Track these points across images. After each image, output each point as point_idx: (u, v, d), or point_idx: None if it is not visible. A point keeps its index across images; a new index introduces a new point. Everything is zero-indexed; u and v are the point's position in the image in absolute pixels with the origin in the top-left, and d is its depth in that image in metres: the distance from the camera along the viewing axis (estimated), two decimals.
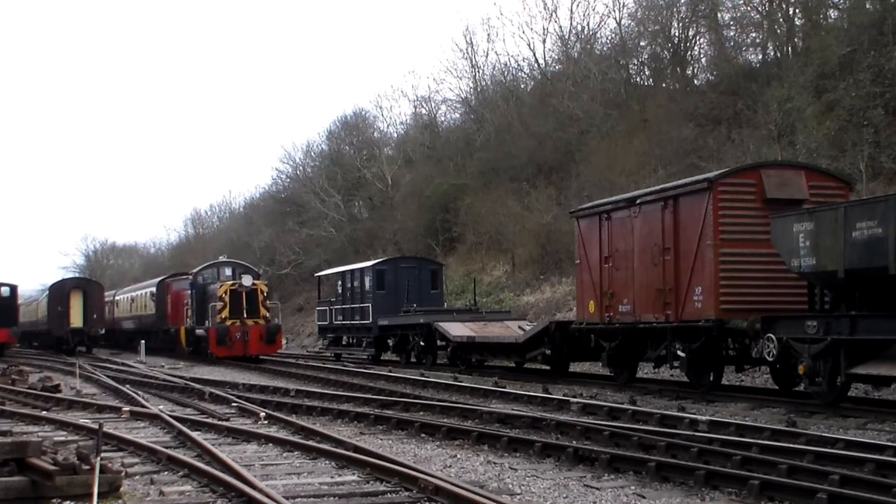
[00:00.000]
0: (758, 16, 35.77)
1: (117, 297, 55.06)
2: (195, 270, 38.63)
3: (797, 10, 34.71)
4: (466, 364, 26.44)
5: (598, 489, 9.23)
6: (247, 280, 34.29)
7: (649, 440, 11.25)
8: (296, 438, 12.47)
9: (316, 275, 40.58)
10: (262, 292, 34.51)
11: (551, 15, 45.88)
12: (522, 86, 48.75)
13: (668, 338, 18.11)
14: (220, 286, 34.47)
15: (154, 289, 45.85)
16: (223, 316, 33.60)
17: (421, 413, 15.55)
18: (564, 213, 30.36)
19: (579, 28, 45.02)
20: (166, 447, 11.66)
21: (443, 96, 53.99)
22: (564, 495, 8.99)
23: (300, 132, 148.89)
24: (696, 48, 39.85)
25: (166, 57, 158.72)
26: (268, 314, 34.51)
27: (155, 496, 9.12)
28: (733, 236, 17.01)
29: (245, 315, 33.69)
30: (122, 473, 9.09)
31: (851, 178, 21.68)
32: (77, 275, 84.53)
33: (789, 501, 8.44)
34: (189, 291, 37.80)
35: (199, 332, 35.66)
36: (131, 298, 51.28)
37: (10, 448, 8.53)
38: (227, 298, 33.82)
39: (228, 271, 37.28)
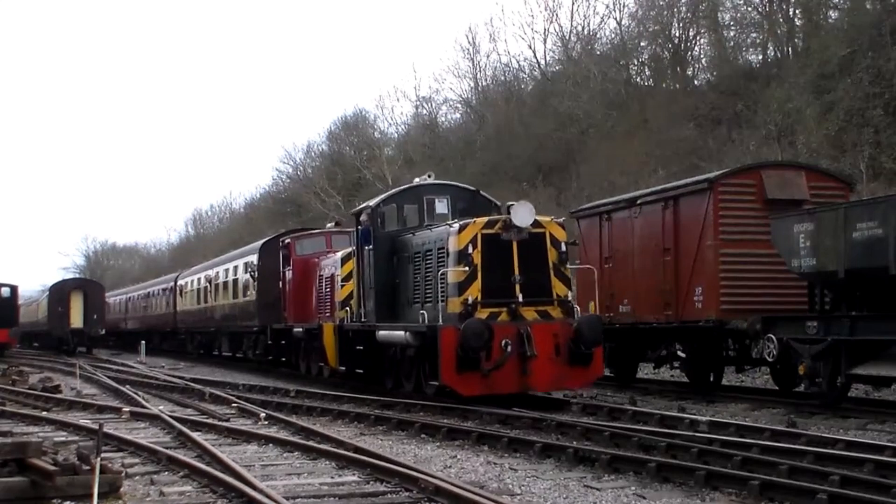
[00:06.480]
0: (758, 16, 35.81)
1: (180, 282, 39.16)
2: (372, 203, 18.48)
3: (797, 11, 34.76)
4: None
5: (598, 490, 9.22)
6: (524, 213, 15.48)
7: (649, 441, 11.23)
8: (296, 439, 12.47)
9: None
10: (556, 242, 15.95)
11: (552, 15, 45.96)
12: (523, 86, 48.80)
13: (669, 338, 18.10)
14: (460, 231, 15.62)
15: (254, 257, 27.19)
16: (469, 299, 15.41)
17: (421, 413, 15.51)
18: (564, 213, 30.32)
19: (580, 28, 45.13)
20: (166, 447, 11.66)
21: (444, 96, 54.08)
22: (564, 496, 8.98)
23: (300, 132, 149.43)
24: (696, 48, 39.98)
25: (167, 57, 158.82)
26: (570, 293, 16.31)
27: (155, 496, 9.11)
28: (734, 237, 16.99)
29: (521, 296, 15.50)
30: (123, 474, 9.08)
31: (852, 179, 21.66)
32: (77, 275, 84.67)
33: (789, 502, 8.44)
34: (344, 254, 20.03)
35: (386, 336, 17.23)
36: (206, 279, 33.99)
37: (11, 448, 8.53)
38: (476, 258, 15.47)
39: (442, 206, 18.10)
